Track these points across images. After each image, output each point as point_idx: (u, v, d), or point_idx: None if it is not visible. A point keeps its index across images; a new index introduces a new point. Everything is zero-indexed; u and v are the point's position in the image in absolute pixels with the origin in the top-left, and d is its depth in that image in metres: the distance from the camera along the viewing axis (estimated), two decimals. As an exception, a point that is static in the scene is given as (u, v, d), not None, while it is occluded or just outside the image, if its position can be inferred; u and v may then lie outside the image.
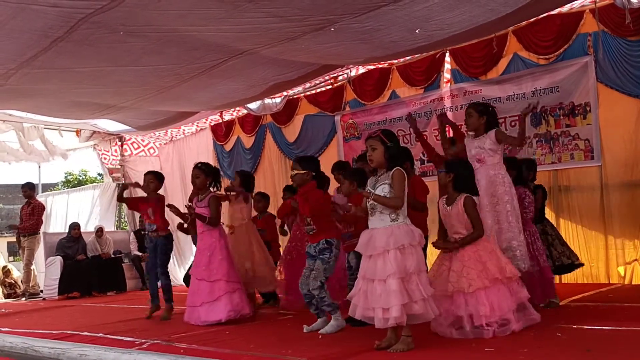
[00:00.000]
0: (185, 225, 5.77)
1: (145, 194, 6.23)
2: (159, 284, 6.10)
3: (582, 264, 5.67)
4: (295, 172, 4.67)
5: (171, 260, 7.83)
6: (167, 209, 5.73)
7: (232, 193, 5.92)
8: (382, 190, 3.68)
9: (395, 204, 3.63)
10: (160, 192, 6.30)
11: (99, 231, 10.16)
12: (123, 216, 12.08)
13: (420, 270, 3.60)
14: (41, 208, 10.06)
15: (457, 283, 3.88)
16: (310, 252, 4.69)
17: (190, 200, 5.70)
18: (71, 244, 9.87)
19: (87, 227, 11.04)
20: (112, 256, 10.11)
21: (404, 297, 3.48)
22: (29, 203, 9.93)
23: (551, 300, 4.92)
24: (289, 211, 5.40)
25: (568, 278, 6.65)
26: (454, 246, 4.00)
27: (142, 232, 9.38)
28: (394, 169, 3.68)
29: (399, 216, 3.67)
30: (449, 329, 3.88)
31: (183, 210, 5.60)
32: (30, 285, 9.98)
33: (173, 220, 6.05)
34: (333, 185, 5.74)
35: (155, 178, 6.14)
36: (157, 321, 5.76)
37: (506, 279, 3.93)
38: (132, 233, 10.76)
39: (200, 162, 5.71)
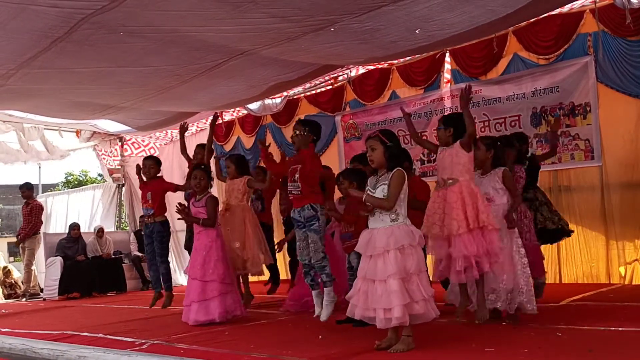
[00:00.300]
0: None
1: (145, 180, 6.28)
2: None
3: (572, 231, 5.60)
4: (297, 132, 4.66)
5: (170, 263, 7.85)
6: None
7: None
8: (382, 190, 3.67)
9: (386, 205, 3.62)
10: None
11: (100, 232, 10.16)
12: (123, 217, 12.08)
13: (420, 270, 3.61)
14: (39, 208, 10.05)
15: (449, 226, 3.97)
16: (296, 218, 4.69)
17: (188, 199, 5.71)
18: (71, 244, 9.87)
19: (89, 228, 11.04)
20: (112, 257, 10.10)
21: (405, 298, 3.48)
22: (27, 204, 9.93)
23: (537, 279, 4.92)
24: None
25: (568, 278, 6.66)
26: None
27: (142, 233, 9.40)
28: (395, 169, 3.68)
29: (399, 216, 3.66)
30: (455, 275, 4.02)
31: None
32: (31, 285, 9.99)
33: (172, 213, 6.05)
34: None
35: (155, 163, 6.22)
36: (157, 321, 5.76)
37: (480, 227, 3.98)
38: (132, 233, 10.76)
39: (203, 166, 5.74)
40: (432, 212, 4.16)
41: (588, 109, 6.49)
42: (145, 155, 11.53)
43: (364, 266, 3.69)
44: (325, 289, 4.58)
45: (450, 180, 4.08)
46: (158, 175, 6.29)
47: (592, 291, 5.78)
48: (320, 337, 4.29)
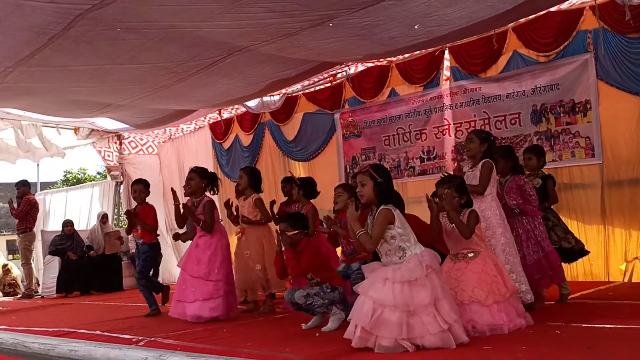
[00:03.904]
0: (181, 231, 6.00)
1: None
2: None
3: (588, 252, 5.51)
4: (290, 233, 4.56)
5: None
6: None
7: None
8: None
9: (369, 247, 3.58)
10: (157, 196, 6.38)
11: (104, 217, 10.19)
12: (122, 214, 12.05)
13: (437, 299, 3.45)
14: (32, 203, 9.98)
15: (473, 293, 3.81)
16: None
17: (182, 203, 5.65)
18: (64, 241, 9.85)
19: (88, 226, 11.03)
20: (116, 253, 10.11)
21: (400, 333, 3.39)
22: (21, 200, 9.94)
23: (561, 286, 4.92)
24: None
25: (568, 276, 6.61)
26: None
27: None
28: (381, 208, 3.59)
29: (405, 252, 3.57)
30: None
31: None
32: (29, 283, 9.96)
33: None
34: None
35: (144, 187, 6.20)
36: (156, 319, 5.75)
37: (509, 294, 3.92)
38: (131, 231, 10.74)
39: (196, 167, 5.72)
40: (445, 277, 3.97)
41: (588, 106, 6.45)
42: (143, 153, 11.54)
43: (367, 284, 3.61)
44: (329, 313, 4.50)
45: (472, 254, 3.97)
46: (147, 200, 6.24)
47: (591, 289, 5.76)
48: (317, 334, 4.28)
